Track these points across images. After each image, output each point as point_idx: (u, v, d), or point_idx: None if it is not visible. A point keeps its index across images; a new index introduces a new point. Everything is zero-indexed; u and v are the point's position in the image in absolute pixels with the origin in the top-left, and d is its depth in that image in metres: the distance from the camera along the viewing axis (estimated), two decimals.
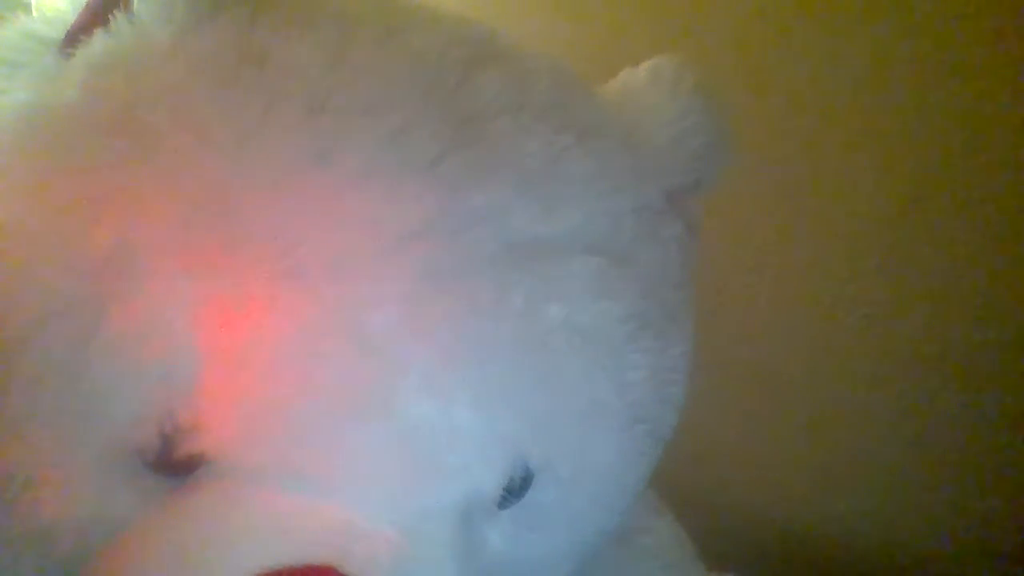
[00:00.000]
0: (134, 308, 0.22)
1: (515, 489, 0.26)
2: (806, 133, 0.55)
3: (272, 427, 0.23)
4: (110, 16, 0.25)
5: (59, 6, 0.27)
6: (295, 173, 0.23)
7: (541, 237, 0.25)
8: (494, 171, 0.25)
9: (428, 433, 0.23)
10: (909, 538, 0.53)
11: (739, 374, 0.60)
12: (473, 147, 0.25)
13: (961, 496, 0.50)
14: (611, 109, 0.31)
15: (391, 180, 0.23)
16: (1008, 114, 0.46)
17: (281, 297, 0.22)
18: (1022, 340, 0.47)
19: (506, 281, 0.24)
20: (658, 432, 0.32)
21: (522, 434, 0.25)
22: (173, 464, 0.23)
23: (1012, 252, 0.47)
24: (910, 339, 0.51)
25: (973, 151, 0.47)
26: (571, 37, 0.64)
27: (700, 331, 0.62)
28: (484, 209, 0.24)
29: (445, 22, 0.28)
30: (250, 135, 0.23)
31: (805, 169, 0.55)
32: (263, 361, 0.22)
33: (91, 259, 0.22)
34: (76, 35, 0.26)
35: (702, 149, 0.31)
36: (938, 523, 0.51)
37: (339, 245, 0.23)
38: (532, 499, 0.27)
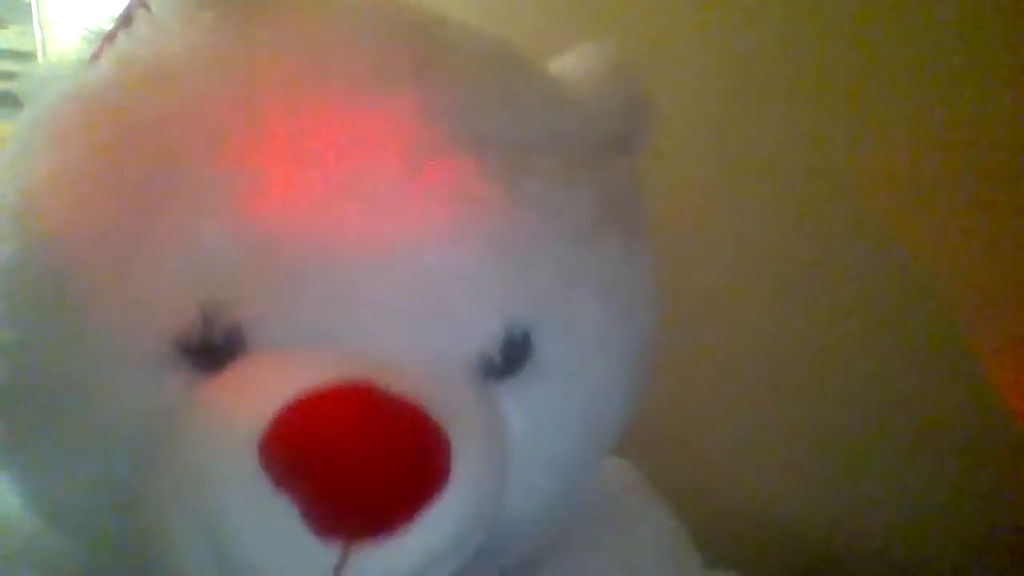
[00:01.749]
0: (172, 211, 0.27)
1: (516, 350, 0.30)
2: (806, 133, 0.55)
3: (302, 286, 0.27)
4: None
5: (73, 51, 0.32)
6: (301, 86, 0.28)
7: (508, 136, 0.30)
8: (464, 80, 0.31)
9: (437, 278, 0.28)
10: (909, 538, 0.53)
11: (739, 374, 0.60)
12: (446, 62, 0.31)
13: (961, 496, 0.50)
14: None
15: (381, 84, 0.29)
16: (1010, 114, 0.46)
17: (301, 179, 0.27)
18: (1022, 340, 0.47)
19: (487, 154, 0.29)
20: (635, 320, 0.35)
21: (513, 278, 0.30)
22: (215, 349, 0.27)
23: (1013, 252, 0.47)
24: (910, 339, 0.51)
25: (975, 151, 0.47)
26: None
27: (700, 332, 0.62)
28: (460, 105, 0.30)
29: None
30: (259, 65, 0.29)
31: (806, 169, 0.55)
32: (287, 233, 0.26)
33: (132, 182, 0.27)
34: (102, 48, 0.31)
35: (626, 103, 0.37)
36: (938, 523, 0.51)
37: (345, 133, 0.28)
38: (534, 365, 0.31)
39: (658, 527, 0.44)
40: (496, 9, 0.70)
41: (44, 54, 1.37)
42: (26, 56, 1.45)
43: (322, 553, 0.24)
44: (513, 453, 0.31)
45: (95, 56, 0.31)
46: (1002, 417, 0.48)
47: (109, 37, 0.31)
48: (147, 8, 0.30)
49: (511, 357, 0.30)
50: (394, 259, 0.27)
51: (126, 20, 0.31)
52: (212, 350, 0.27)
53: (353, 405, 0.25)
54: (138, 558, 0.28)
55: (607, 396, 0.35)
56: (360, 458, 0.24)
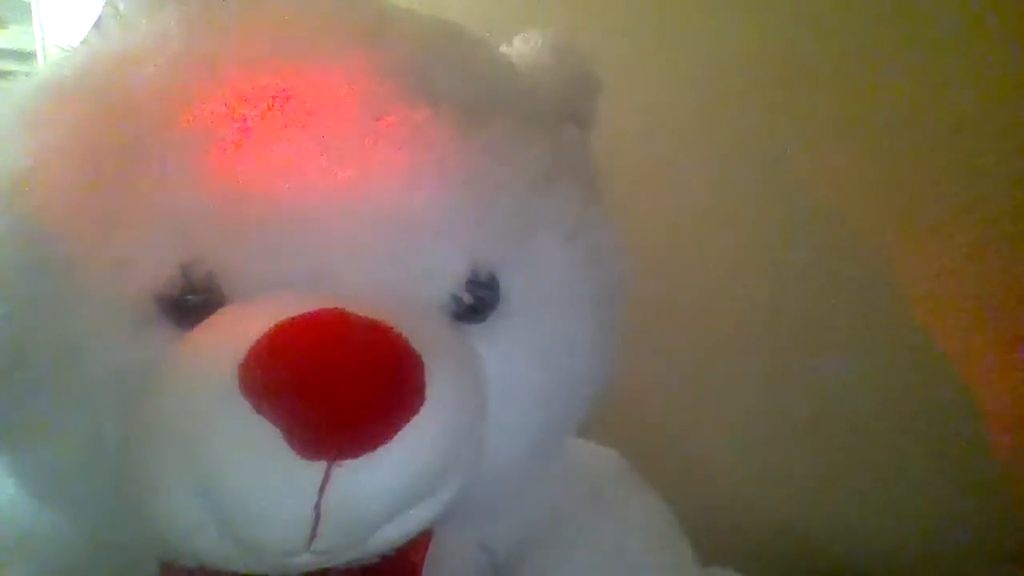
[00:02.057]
0: (146, 176, 0.28)
1: (483, 290, 0.32)
2: (805, 133, 0.55)
3: (272, 235, 0.28)
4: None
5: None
6: (260, 53, 0.30)
7: (462, 94, 0.32)
8: (416, 43, 0.33)
9: (400, 219, 0.29)
10: (909, 538, 0.53)
11: (739, 373, 0.60)
12: (398, 28, 0.33)
13: (961, 496, 0.50)
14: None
15: (336, 46, 0.31)
16: (1010, 114, 0.46)
17: (264, 135, 0.28)
18: (1022, 340, 0.47)
19: (441, 106, 0.30)
20: (599, 268, 0.36)
21: (474, 218, 0.31)
22: (194, 303, 0.28)
23: (1012, 252, 0.47)
24: (910, 339, 0.51)
25: (974, 151, 0.47)
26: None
27: (700, 331, 0.62)
28: (413, 64, 0.32)
29: None
30: (220, 39, 0.31)
31: (805, 169, 0.55)
32: (255, 186, 0.28)
33: (107, 154, 0.29)
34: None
35: (570, 78, 0.39)
36: (938, 523, 0.51)
37: (304, 90, 0.29)
38: (503, 308, 0.32)
39: (647, 513, 0.44)
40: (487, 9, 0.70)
41: (44, 54, 1.37)
42: (26, 56, 1.45)
43: (306, 473, 0.25)
44: (488, 395, 0.31)
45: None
46: (1002, 417, 0.48)
47: (84, 43, 0.33)
48: (115, 7, 0.32)
49: (480, 298, 0.31)
50: (358, 204, 0.29)
51: (97, 23, 0.33)
52: (192, 305, 0.28)
53: (327, 327, 0.26)
54: (131, 528, 0.28)
55: (576, 342, 0.35)
56: (336, 375, 0.25)
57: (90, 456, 0.29)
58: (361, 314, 0.27)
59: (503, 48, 0.40)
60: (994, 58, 0.46)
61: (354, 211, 0.29)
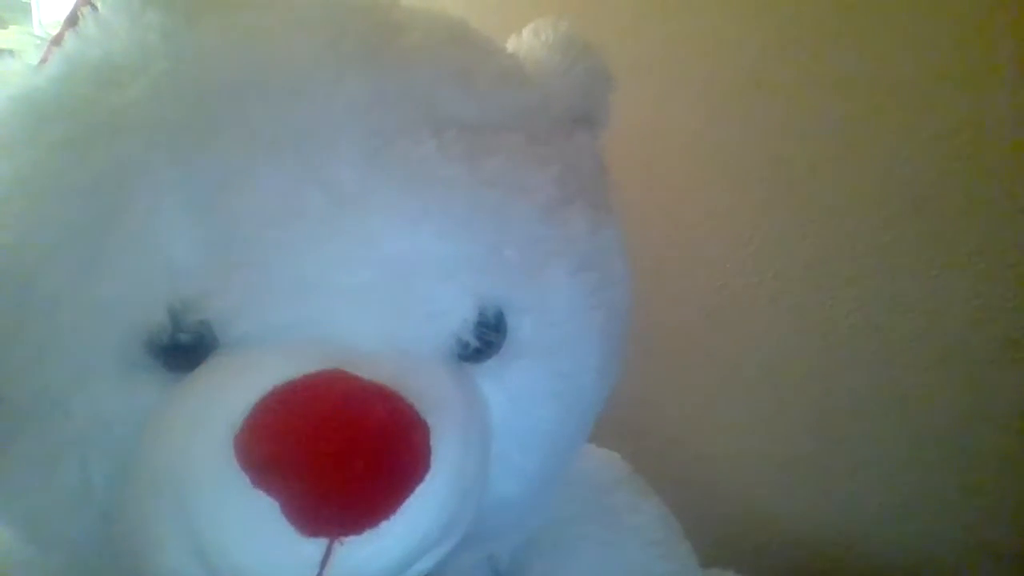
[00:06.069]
0: (132, 212, 0.26)
1: (490, 332, 0.30)
2: (807, 133, 0.55)
3: (267, 279, 0.26)
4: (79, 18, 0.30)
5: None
6: (252, 80, 0.28)
7: (468, 117, 0.30)
8: (418, 62, 0.30)
9: (404, 262, 0.27)
10: (909, 538, 0.53)
11: (739, 374, 0.61)
12: (395, 46, 0.30)
13: (961, 496, 0.50)
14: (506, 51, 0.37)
15: (334, 71, 0.28)
16: (1009, 115, 0.46)
17: (259, 172, 0.26)
18: (1022, 340, 0.47)
19: (446, 135, 0.29)
20: (608, 295, 0.34)
21: (482, 258, 0.29)
22: (185, 348, 0.26)
23: (1012, 252, 0.47)
24: (910, 339, 0.51)
25: (974, 152, 0.47)
26: None
27: (701, 332, 0.62)
28: (415, 88, 0.30)
29: None
30: (209, 61, 0.28)
31: (806, 170, 0.55)
32: (249, 226, 0.26)
33: (87, 184, 0.26)
34: (48, 52, 0.30)
35: (583, 78, 0.37)
36: (938, 523, 0.51)
37: (301, 122, 0.27)
38: (510, 346, 0.31)
39: (649, 518, 0.44)
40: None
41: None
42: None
43: (306, 549, 0.24)
44: (494, 434, 0.31)
45: (42, 60, 0.30)
46: (1002, 417, 0.48)
47: (56, 40, 0.30)
48: (93, 7, 0.30)
49: (486, 339, 0.30)
50: (359, 246, 0.27)
51: (72, 20, 0.30)
52: (183, 350, 0.26)
53: (326, 397, 0.25)
54: (120, 568, 0.27)
55: (584, 373, 0.34)
56: (337, 452, 0.24)
57: (78, 498, 0.28)
58: (362, 373, 0.25)
59: (511, 40, 0.38)
60: (994, 59, 0.46)
61: (353, 253, 0.27)
